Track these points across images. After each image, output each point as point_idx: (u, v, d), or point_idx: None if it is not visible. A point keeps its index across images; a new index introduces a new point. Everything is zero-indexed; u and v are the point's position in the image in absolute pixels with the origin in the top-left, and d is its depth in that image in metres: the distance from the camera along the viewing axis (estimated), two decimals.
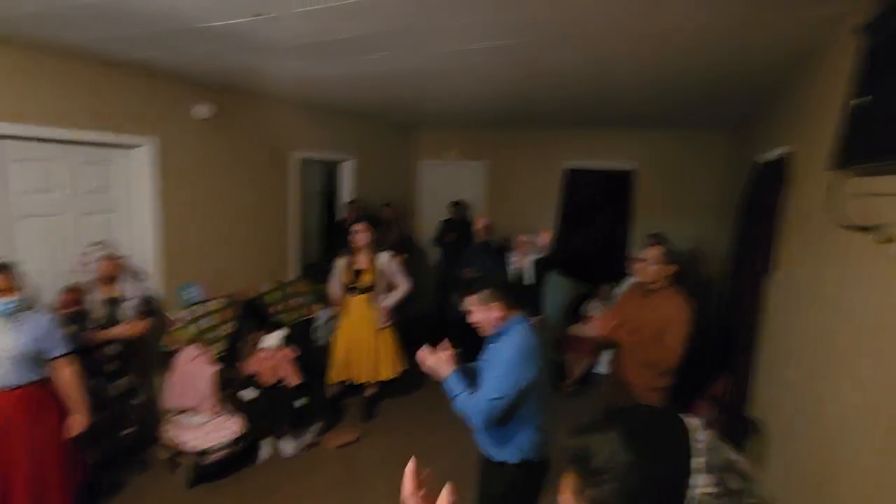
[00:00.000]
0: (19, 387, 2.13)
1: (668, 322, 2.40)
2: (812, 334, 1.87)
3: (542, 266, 3.96)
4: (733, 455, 0.58)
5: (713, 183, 4.95)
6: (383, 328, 3.66)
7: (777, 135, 2.71)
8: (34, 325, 2.17)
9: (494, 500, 2.01)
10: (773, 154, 2.58)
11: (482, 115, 4.76)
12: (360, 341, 3.62)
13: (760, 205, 2.66)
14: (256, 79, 3.26)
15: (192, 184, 3.51)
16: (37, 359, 2.19)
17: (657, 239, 4.29)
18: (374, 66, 2.74)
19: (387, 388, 4.25)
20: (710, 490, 0.53)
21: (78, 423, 2.28)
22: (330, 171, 5.41)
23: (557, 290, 5.32)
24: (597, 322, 2.56)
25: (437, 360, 1.88)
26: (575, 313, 4.88)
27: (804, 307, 1.98)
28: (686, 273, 4.48)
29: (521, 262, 4.02)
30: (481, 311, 1.89)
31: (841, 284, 1.63)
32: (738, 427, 2.53)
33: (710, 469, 0.55)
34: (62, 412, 2.28)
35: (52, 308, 2.65)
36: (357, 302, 3.59)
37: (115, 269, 2.81)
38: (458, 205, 5.54)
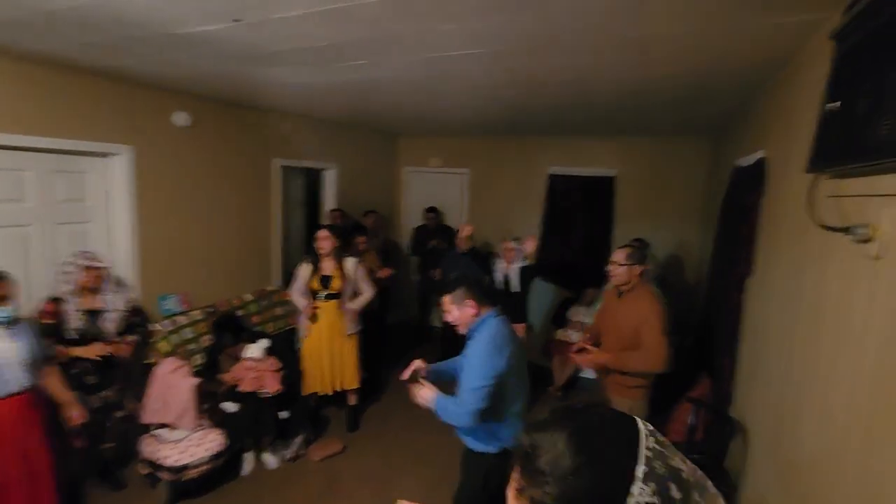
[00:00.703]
0: (20, 392, 2.18)
1: (642, 320, 2.47)
2: (794, 334, 1.89)
3: (528, 273, 3.97)
4: (680, 463, 0.58)
5: (694, 188, 5.03)
6: (351, 335, 3.62)
7: (756, 139, 2.76)
8: (28, 331, 2.24)
9: (474, 489, 2.09)
10: (752, 158, 2.63)
11: (465, 122, 4.78)
12: (328, 349, 3.55)
13: (741, 208, 2.70)
14: (236, 87, 3.21)
15: (172, 193, 3.44)
16: (33, 364, 2.24)
17: (639, 243, 4.38)
18: (354, 73, 2.73)
19: (371, 397, 4.21)
20: (649, 499, 0.53)
21: (78, 414, 2.41)
22: (312, 179, 5.36)
23: (542, 295, 5.34)
24: (579, 360, 2.69)
25: (424, 395, 2.02)
26: (559, 318, 4.89)
27: (785, 308, 2.01)
28: (666, 277, 4.55)
29: (507, 270, 4.01)
30: (456, 310, 2.02)
31: (821, 284, 1.66)
32: (722, 428, 2.55)
33: (653, 478, 0.54)
34: (50, 415, 2.36)
35: (31, 318, 2.59)
36: (325, 309, 3.52)
37: (97, 280, 2.71)
38: (433, 211, 5.53)
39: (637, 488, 0.53)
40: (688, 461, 0.60)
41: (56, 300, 2.64)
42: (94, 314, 2.73)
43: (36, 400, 2.27)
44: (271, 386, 3.19)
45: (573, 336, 4.71)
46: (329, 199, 5.20)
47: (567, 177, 5.56)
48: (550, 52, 2.24)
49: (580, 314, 4.70)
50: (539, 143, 5.64)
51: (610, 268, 2.62)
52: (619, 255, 2.59)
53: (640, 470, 0.53)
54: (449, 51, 2.27)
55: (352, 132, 5.32)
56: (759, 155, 2.52)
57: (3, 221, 2.67)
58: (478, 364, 1.90)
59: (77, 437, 2.53)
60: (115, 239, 3.19)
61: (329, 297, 3.49)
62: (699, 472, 0.60)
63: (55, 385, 2.40)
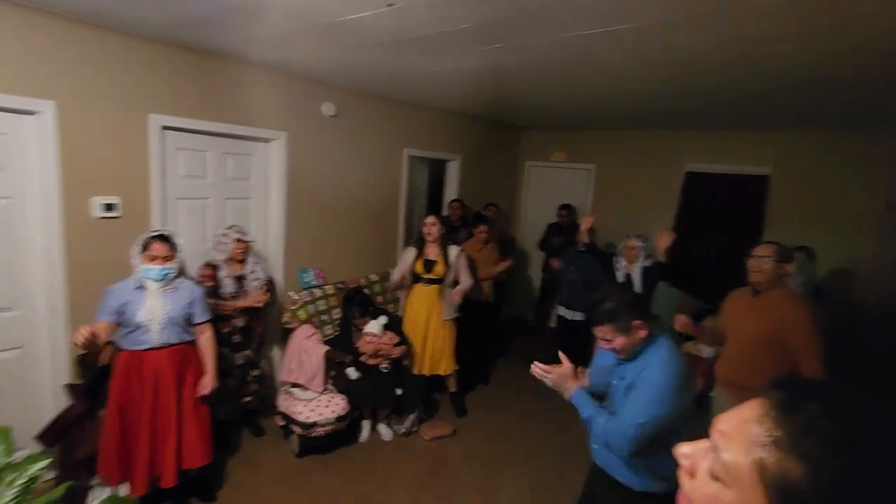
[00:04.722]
0: (170, 345, 2.38)
1: (787, 323, 2.20)
2: None
3: (652, 274, 3.64)
4: None
5: (872, 191, 4.22)
6: (447, 320, 3.67)
7: None
8: (186, 292, 2.44)
9: None
10: None
11: (594, 114, 4.55)
12: (423, 332, 3.65)
13: None
14: (376, 77, 3.42)
15: (315, 176, 3.79)
16: (185, 322, 2.44)
17: (807, 253, 3.78)
18: (490, 58, 2.73)
19: (480, 387, 4.21)
20: None
21: (209, 383, 2.50)
22: (435, 170, 5.53)
23: (667, 302, 4.88)
24: None
25: (560, 376, 1.78)
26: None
27: None
28: (822, 291, 3.85)
29: (629, 270, 3.73)
30: (624, 339, 1.66)
31: None
32: None
33: None
34: (201, 372, 2.53)
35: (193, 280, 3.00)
36: (426, 292, 3.63)
37: (244, 251, 3.08)
38: (566, 208, 5.34)
39: None
40: None
41: (212, 266, 3.02)
42: (238, 280, 3.08)
43: (183, 354, 2.43)
44: (393, 358, 3.37)
45: (704, 351, 4.24)
46: (451, 190, 5.33)
47: (708, 175, 5.02)
48: (712, 23, 2.01)
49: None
50: (675, 137, 5.17)
51: (752, 262, 2.37)
52: (765, 249, 2.36)
53: None
54: (592, 28, 2.15)
55: (476, 124, 5.39)
56: None
57: (190, 194, 3.16)
58: (651, 397, 1.58)
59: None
60: (269, 215, 3.60)
61: (430, 281, 3.62)
62: None
63: (205, 348, 2.54)
